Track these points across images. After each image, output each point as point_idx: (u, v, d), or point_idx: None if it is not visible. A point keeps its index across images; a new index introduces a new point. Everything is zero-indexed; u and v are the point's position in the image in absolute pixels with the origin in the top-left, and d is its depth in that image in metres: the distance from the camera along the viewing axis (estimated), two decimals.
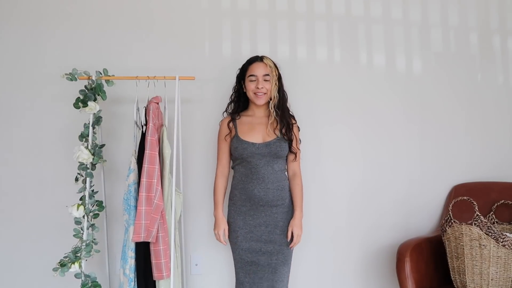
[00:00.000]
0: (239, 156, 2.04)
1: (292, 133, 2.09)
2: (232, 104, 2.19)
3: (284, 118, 2.08)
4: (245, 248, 2.03)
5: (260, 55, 2.13)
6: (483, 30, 2.56)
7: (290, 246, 2.04)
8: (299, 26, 2.50)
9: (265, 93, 2.06)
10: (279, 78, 2.11)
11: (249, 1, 2.50)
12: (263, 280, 2.01)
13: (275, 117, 2.07)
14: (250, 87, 2.07)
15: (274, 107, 2.08)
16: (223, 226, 2.05)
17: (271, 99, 2.09)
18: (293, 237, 2.03)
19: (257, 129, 2.08)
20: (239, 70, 2.16)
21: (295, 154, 2.10)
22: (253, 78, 2.06)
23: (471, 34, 2.56)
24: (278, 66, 2.12)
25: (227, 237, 2.07)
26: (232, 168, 2.15)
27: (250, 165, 2.02)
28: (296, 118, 2.18)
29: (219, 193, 2.10)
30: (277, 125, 2.07)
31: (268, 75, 2.06)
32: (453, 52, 2.55)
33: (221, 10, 2.49)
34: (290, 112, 2.16)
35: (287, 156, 2.11)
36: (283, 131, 2.06)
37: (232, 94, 2.19)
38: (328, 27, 2.51)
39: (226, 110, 2.21)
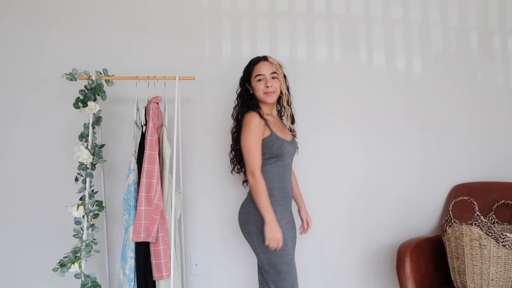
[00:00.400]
0: (280, 154, 1.95)
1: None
2: (238, 108, 2.09)
3: (293, 116, 2.15)
4: (290, 246, 1.95)
5: (261, 55, 2.10)
6: (483, 30, 2.56)
7: (305, 232, 2.20)
8: (299, 26, 2.50)
9: (274, 91, 2.02)
10: (284, 76, 2.10)
11: (249, 1, 2.50)
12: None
13: (290, 114, 2.11)
14: (259, 87, 2.01)
15: (287, 103, 2.09)
16: (280, 230, 1.87)
17: (280, 97, 2.07)
18: (308, 224, 2.19)
19: (281, 127, 2.08)
20: (242, 73, 2.10)
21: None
22: (260, 77, 2.01)
23: (471, 34, 2.56)
24: (281, 64, 2.09)
25: None
26: (263, 167, 1.93)
27: (284, 163, 1.99)
28: (296, 118, 2.19)
29: (267, 194, 1.89)
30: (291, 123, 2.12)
31: (275, 72, 2.03)
32: (453, 52, 2.55)
33: (221, 10, 2.49)
34: None
35: None
36: (293, 127, 2.12)
37: (237, 98, 2.11)
38: (328, 27, 2.51)
39: (232, 115, 2.12)
